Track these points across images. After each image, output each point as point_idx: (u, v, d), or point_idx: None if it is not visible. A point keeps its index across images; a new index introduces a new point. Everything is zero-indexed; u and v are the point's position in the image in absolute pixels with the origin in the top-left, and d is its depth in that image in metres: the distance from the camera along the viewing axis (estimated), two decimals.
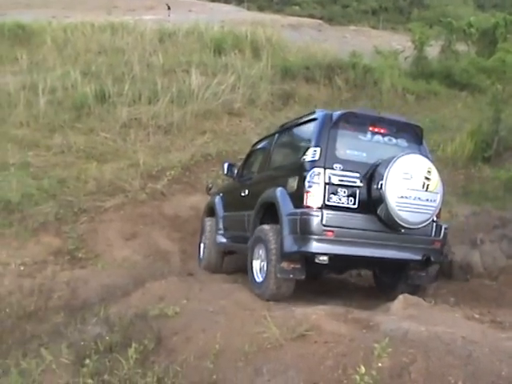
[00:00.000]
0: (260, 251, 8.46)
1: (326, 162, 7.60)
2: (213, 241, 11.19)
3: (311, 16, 41.69)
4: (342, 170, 7.64)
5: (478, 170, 15.58)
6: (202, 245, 11.75)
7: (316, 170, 7.55)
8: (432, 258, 8.10)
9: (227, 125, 18.73)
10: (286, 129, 9.50)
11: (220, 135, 17.95)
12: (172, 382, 6.29)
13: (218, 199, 11.52)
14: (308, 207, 7.57)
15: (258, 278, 8.47)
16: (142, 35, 26.56)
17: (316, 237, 7.48)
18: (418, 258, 8.02)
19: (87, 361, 6.97)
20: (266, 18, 35.05)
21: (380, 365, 4.99)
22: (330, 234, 7.49)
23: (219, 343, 6.53)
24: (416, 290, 8.70)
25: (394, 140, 8.25)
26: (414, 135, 8.49)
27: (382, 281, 9.67)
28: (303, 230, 7.56)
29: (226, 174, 11.60)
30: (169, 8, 39.51)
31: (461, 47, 26.36)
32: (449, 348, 5.21)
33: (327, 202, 7.57)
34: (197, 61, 22.93)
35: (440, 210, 8.14)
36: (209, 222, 11.60)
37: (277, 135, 9.72)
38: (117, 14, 33.76)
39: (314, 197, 7.54)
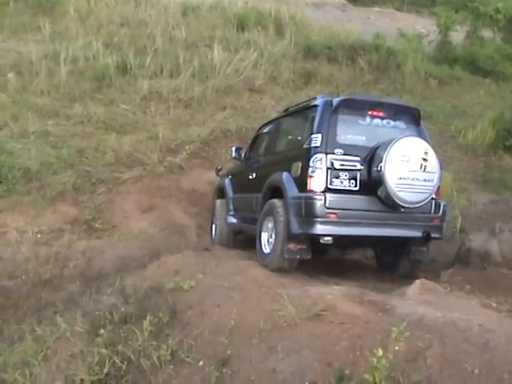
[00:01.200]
0: (269, 224, 8.87)
1: (328, 147, 8.04)
2: (224, 221, 11.55)
3: None
4: (343, 154, 8.07)
5: (498, 158, 15.49)
6: (213, 225, 12.13)
7: (318, 155, 7.98)
8: (432, 234, 8.55)
9: (248, 101, 18.62)
10: (289, 114, 9.93)
11: (240, 111, 17.86)
12: (186, 356, 6.31)
13: (227, 181, 11.85)
14: (311, 191, 8.01)
15: (266, 249, 8.96)
16: (166, 8, 26.32)
17: (320, 219, 7.93)
18: (419, 234, 8.47)
19: (102, 331, 7.01)
20: None
21: (396, 348, 4.97)
22: (334, 216, 7.94)
23: (234, 319, 6.54)
24: (416, 265, 9.42)
25: (392, 123, 8.63)
26: (412, 117, 8.84)
27: (383, 259, 10.16)
28: (308, 213, 8.00)
29: (235, 158, 11.91)
30: None
31: (486, 33, 25.94)
32: (465, 335, 5.19)
33: (330, 186, 8.02)
34: (219, 36, 22.74)
35: (439, 188, 8.59)
36: (219, 203, 11.96)
37: (281, 120, 10.14)
38: None
39: (316, 181, 7.98)
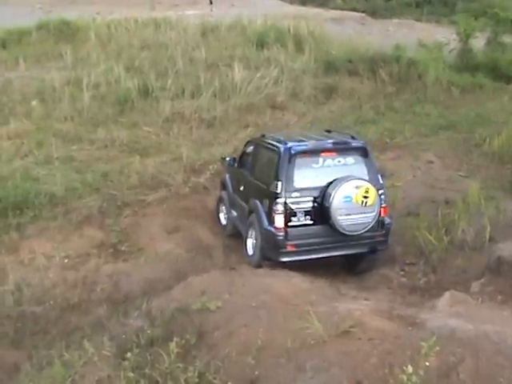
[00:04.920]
0: (252, 233, 10.75)
1: (286, 193, 9.74)
2: (229, 211, 12.81)
3: (354, 9, 41.09)
4: (299, 196, 9.81)
5: None
6: (221, 214, 13.35)
7: (279, 200, 9.74)
8: (377, 247, 10.46)
9: (270, 118, 18.59)
10: (264, 145, 11.24)
11: (263, 129, 17.78)
12: (213, 378, 6.24)
13: (228, 178, 13.09)
14: (275, 228, 9.84)
15: (250, 251, 10.91)
16: (185, 30, 26.56)
17: (282, 250, 9.93)
18: (365, 250, 10.34)
19: (129, 354, 6.98)
20: (308, 12, 34.74)
21: (427, 364, 4.85)
22: (292, 247, 9.89)
23: (261, 339, 6.47)
24: (373, 263, 11.01)
25: (342, 160, 10.11)
26: (360, 152, 10.35)
27: (349, 262, 11.27)
28: (273, 245, 10.01)
29: (230, 165, 13.04)
30: (211, 3, 39.38)
31: (507, 39, 25.71)
32: (498, 348, 5.05)
33: (289, 223, 9.84)
34: (239, 55, 22.87)
35: (385, 207, 10.32)
36: (225, 195, 13.14)
37: (259, 146, 11.56)
38: (160, 10, 33.79)
39: (279, 220, 9.79)
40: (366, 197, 9.63)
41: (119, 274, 11.38)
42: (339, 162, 10.06)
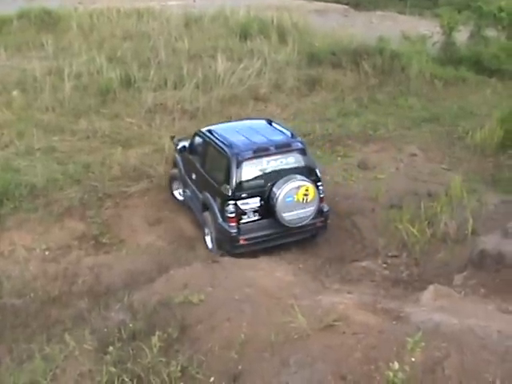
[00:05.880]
0: (206, 230, 11.93)
1: (237, 194, 10.88)
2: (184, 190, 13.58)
3: (337, 1, 40.90)
4: (248, 197, 10.97)
5: (507, 157, 15.39)
6: (176, 191, 13.91)
7: (231, 202, 10.90)
8: (318, 232, 11.88)
9: (253, 110, 18.48)
10: (210, 143, 12.05)
11: None
12: (196, 372, 6.20)
13: (179, 159, 13.69)
14: (229, 225, 11.03)
15: (210, 245, 11.87)
16: (168, 20, 26.39)
17: (235, 244, 11.10)
18: (307, 235, 11.73)
19: (110, 348, 6.93)
20: (292, 4, 34.58)
21: (413, 360, 4.81)
22: (244, 241, 11.07)
23: (245, 333, 6.43)
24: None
25: (284, 160, 11.21)
26: (299, 151, 11.45)
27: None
28: (228, 239, 11.15)
29: (181, 151, 13.49)
30: None
31: (490, 32, 25.77)
32: (483, 343, 5.03)
33: (241, 221, 11.04)
34: (222, 46, 22.77)
35: (322, 198, 11.52)
36: (179, 173, 13.71)
37: (208, 143, 12.19)
38: (143, 0, 33.63)
39: (231, 218, 10.98)
40: (306, 195, 10.92)
41: (100, 266, 11.28)
42: (281, 162, 11.19)
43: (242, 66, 20.53)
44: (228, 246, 11.22)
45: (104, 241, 12.30)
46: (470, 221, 11.18)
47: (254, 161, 11.03)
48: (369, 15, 35.96)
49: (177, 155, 13.79)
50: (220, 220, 11.20)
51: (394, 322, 5.95)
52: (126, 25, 26.08)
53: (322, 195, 11.50)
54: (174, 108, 18.14)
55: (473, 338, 5.08)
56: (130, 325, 7.60)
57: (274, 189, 10.85)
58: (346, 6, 38.77)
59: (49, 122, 17.20)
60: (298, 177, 11.06)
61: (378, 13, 37.20)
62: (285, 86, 20.42)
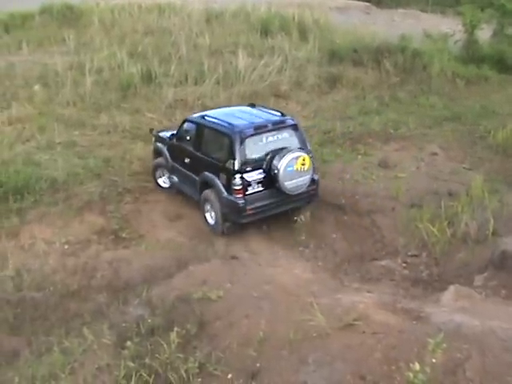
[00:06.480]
0: (208, 206, 12.56)
1: (242, 168, 11.71)
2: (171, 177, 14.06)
3: None
4: (252, 170, 11.83)
5: None
6: (160, 179, 14.27)
7: (237, 175, 11.68)
8: (312, 199, 12.84)
9: (273, 107, 18.40)
10: (206, 125, 12.86)
11: None
12: (214, 369, 6.20)
13: (165, 149, 14.16)
14: (236, 197, 11.79)
15: (212, 221, 12.58)
16: (189, 16, 26.40)
17: (243, 214, 11.89)
18: (304, 202, 12.75)
19: (128, 343, 6.94)
20: (313, 1, 34.46)
21: (434, 361, 4.75)
22: (250, 211, 11.89)
23: (263, 330, 6.41)
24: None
25: (280, 136, 12.23)
26: (292, 126, 12.50)
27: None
28: (235, 210, 11.91)
29: (170, 138, 14.03)
30: None
31: None
32: (505, 345, 4.97)
33: (247, 192, 11.83)
34: (243, 42, 22.78)
35: (314, 167, 12.39)
36: (164, 162, 14.12)
37: (202, 126, 12.96)
38: None
39: (238, 190, 11.75)
40: (303, 164, 11.93)
41: (119, 260, 11.29)
42: (278, 138, 12.20)
43: (262, 62, 20.52)
44: (235, 216, 12.07)
45: (123, 235, 12.29)
46: (491, 221, 11.05)
47: (255, 137, 11.97)
48: (391, 13, 35.82)
49: (160, 145, 14.40)
50: (225, 194, 11.98)
51: (415, 322, 5.90)
52: (148, 20, 26.16)
53: (314, 165, 12.50)
54: (195, 103, 18.16)
55: (495, 340, 5.02)
56: (149, 320, 7.62)
57: (275, 161, 11.81)
58: (367, 4, 38.66)
59: (70, 117, 17.30)
60: (295, 148, 12.16)
61: (400, 10, 37.06)
62: (305, 83, 20.39)
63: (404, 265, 10.90)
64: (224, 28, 25.32)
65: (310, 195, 12.74)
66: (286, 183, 11.88)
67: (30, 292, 10.46)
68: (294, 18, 26.23)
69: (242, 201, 11.80)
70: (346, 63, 21.88)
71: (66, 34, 23.43)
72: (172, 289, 8.76)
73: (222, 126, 12.44)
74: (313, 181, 12.49)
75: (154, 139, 14.72)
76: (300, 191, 12.28)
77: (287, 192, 12.03)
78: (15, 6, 26.34)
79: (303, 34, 24.80)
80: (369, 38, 24.10)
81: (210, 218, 12.62)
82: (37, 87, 19.03)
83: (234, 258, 11.02)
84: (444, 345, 4.79)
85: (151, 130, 14.87)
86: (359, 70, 21.53)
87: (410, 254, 11.26)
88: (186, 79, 19.64)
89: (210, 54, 21.74)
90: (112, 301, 9.55)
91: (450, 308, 6.45)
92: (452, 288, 7.27)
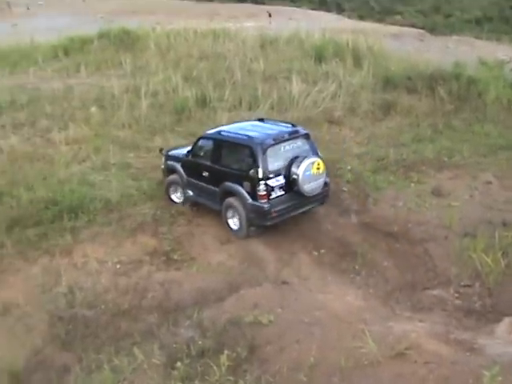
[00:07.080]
0: (230, 213, 13.33)
1: (265, 175, 12.60)
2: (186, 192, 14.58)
3: (413, 25, 40.78)
4: (274, 176, 12.72)
5: None
6: (174, 195, 14.65)
7: (262, 181, 12.53)
8: (325, 200, 13.90)
9: (327, 133, 18.45)
10: (229, 140, 13.57)
11: (319, 143, 17.45)
12: None
13: (178, 166, 14.67)
14: (262, 202, 12.63)
15: (235, 227, 13.32)
16: (244, 42, 26.73)
17: (269, 216, 12.73)
18: (319, 203, 13.83)
19: (178, 364, 6.98)
20: (366, 27, 34.64)
21: None
22: (275, 213, 12.75)
23: (314, 356, 6.37)
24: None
25: (295, 144, 13.20)
26: (305, 136, 13.47)
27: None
28: (261, 214, 12.74)
29: (187, 156, 14.51)
30: (270, 15, 39.57)
31: None
32: None
33: (270, 197, 12.70)
34: (297, 68, 22.89)
35: (327, 173, 13.36)
36: (178, 179, 14.58)
37: (220, 141, 13.71)
38: (219, 21, 34.13)
39: (263, 196, 12.60)
40: (318, 168, 12.95)
41: (171, 282, 11.38)
42: (293, 146, 13.15)
43: (316, 88, 20.57)
44: (261, 219, 12.92)
45: (175, 257, 12.39)
46: None
47: (275, 147, 12.87)
48: (445, 40, 35.59)
49: (172, 163, 14.86)
50: (250, 200, 12.81)
51: (468, 354, 5.79)
52: (202, 45, 26.57)
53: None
54: None
55: None
56: (199, 342, 7.65)
57: (294, 167, 12.83)
58: (421, 31, 38.53)
59: (125, 139, 17.63)
60: (310, 154, 13.21)
61: (454, 37, 36.80)
62: (359, 109, 20.31)
63: (456, 295, 10.72)
64: (278, 54, 25.52)
65: (324, 196, 13.82)
66: (305, 186, 12.86)
67: (81, 309, 10.64)
68: (348, 45, 26.23)
69: (268, 205, 12.70)
70: (400, 90, 21.72)
71: (122, 58, 24.01)
72: (223, 312, 8.78)
73: (241, 139, 13.31)
74: (325, 183, 13.55)
75: (164, 158, 15.14)
76: (316, 193, 13.29)
77: (306, 194, 13.02)
78: (75, 31, 27.01)
79: (357, 60, 24.76)
80: (423, 65, 23.91)
81: (233, 224, 13.41)
82: (93, 109, 19.49)
83: (284, 282, 10.99)
84: (500, 378, 4.68)
85: (161, 150, 15.46)
86: (413, 97, 21.36)
87: (462, 284, 11.07)
88: (240, 104, 19.83)
89: (264, 79, 21.92)
90: (162, 322, 9.62)
91: (505, 340, 6.32)
92: (507, 320, 7.13)
